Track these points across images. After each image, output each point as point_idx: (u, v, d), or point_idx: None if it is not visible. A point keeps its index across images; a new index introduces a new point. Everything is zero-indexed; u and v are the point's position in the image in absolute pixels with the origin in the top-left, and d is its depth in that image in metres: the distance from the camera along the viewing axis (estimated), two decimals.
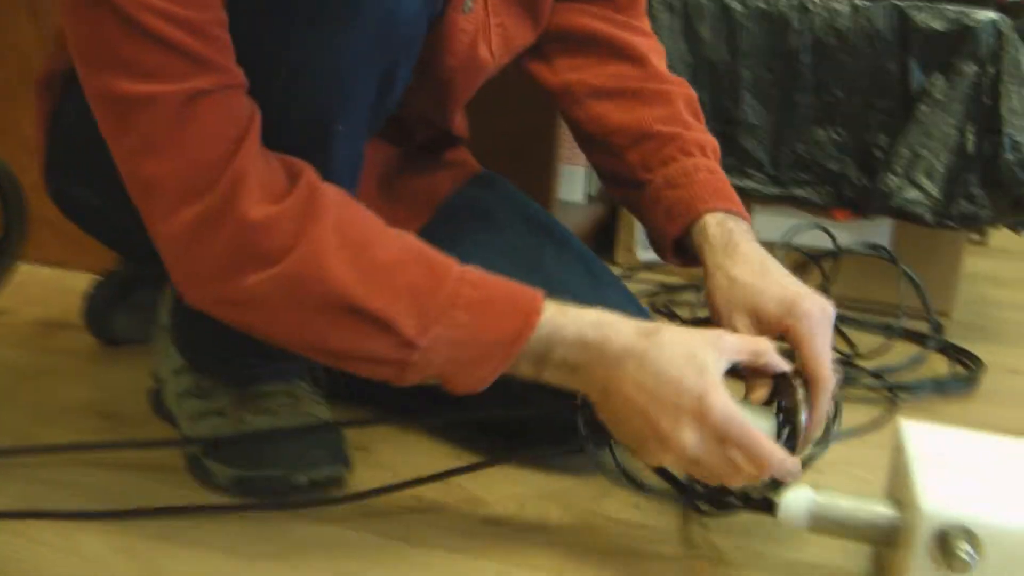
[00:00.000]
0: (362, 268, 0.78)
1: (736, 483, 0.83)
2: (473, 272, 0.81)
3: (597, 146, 1.10)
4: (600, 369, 0.81)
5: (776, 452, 0.81)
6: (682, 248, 1.04)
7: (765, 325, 0.92)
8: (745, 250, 0.97)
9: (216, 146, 0.75)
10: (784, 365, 0.87)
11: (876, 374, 1.39)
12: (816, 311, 0.90)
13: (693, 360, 0.80)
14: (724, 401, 0.80)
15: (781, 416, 0.87)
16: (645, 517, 1.00)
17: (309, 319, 0.79)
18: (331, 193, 0.79)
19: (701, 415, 0.79)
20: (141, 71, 0.73)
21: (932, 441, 0.91)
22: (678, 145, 1.04)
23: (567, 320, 0.81)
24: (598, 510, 1.01)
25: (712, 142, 1.06)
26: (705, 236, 0.99)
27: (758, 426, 0.82)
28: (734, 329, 0.92)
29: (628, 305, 1.09)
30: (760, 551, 0.96)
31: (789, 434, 0.86)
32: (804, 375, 0.88)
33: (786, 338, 0.91)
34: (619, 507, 1.02)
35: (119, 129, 0.76)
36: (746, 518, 1.00)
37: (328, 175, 0.81)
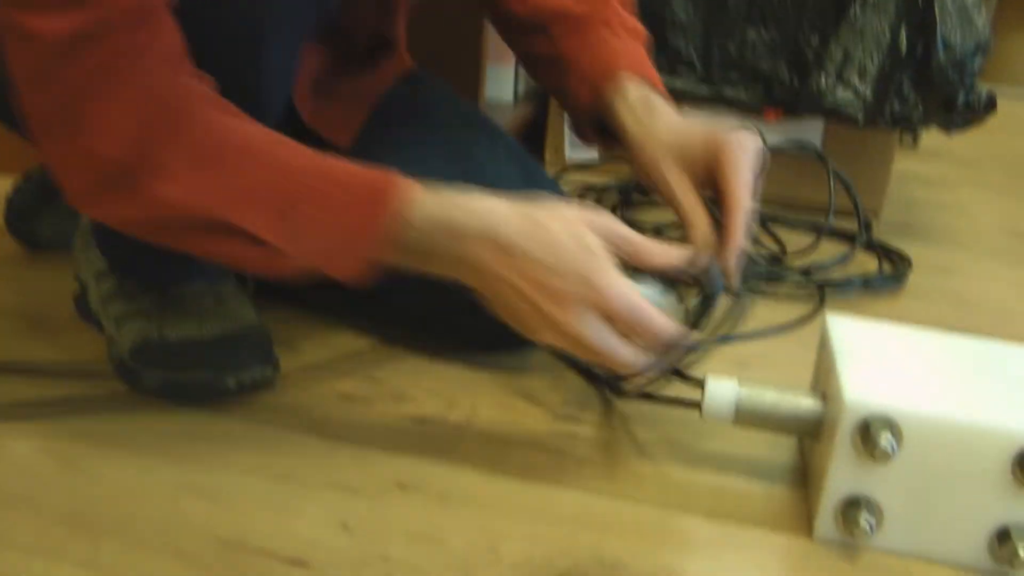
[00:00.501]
0: (211, 181, 0.76)
1: (626, 366, 0.82)
2: (326, 162, 0.79)
3: (523, 31, 1.09)
4: (473, 251, 0.79)
5: (666, 323, 0.80)
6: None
7: (692, 166, 0.92)
8: (665, 110, 0.97)
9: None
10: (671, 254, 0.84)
11: (804, 272, 1.39)
12: (741, 140, 0.90)
13: (571, 241, 0.78)
14: (613, 278, 0.78)
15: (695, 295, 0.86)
16: (571, 411, 1.00)
17: (172, 235, 0.79)
18: (197, 110, 0.77)
19: (590, 289, 0.77)
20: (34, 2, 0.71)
21: (856, 335, 0.91)
22: (604, 22, 1.03)
23: (432, 203, 0.78)
24: (526, 406, 1.01)
25: (641, 29, 1.05)
26: (624, 98, 0.98)
27: (655, 302, 0.81)
28: (664, 179, 0.91)
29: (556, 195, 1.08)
30: (683, 444, 0.96)
31: (702, 300, 0.85)
32: (721, 206, 0.89)
33: (714, 174, 0.90)
34: (548, 402, 1.02)
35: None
36: (670, 411, 1.00)
37: (260, 84, 0.80)
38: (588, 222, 0.80)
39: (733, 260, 0.89)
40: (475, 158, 1.10)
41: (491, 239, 0.78)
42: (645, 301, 0.79)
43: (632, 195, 1.64)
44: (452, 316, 1.08)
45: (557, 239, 0.77)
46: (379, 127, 1.11)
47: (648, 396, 0.94)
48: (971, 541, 0.81)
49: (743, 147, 0.90)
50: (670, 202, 0.94)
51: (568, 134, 1.85)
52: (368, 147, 1.07)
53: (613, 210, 1.60)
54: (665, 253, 0.82)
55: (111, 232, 0.99)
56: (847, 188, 1.51)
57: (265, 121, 0.81)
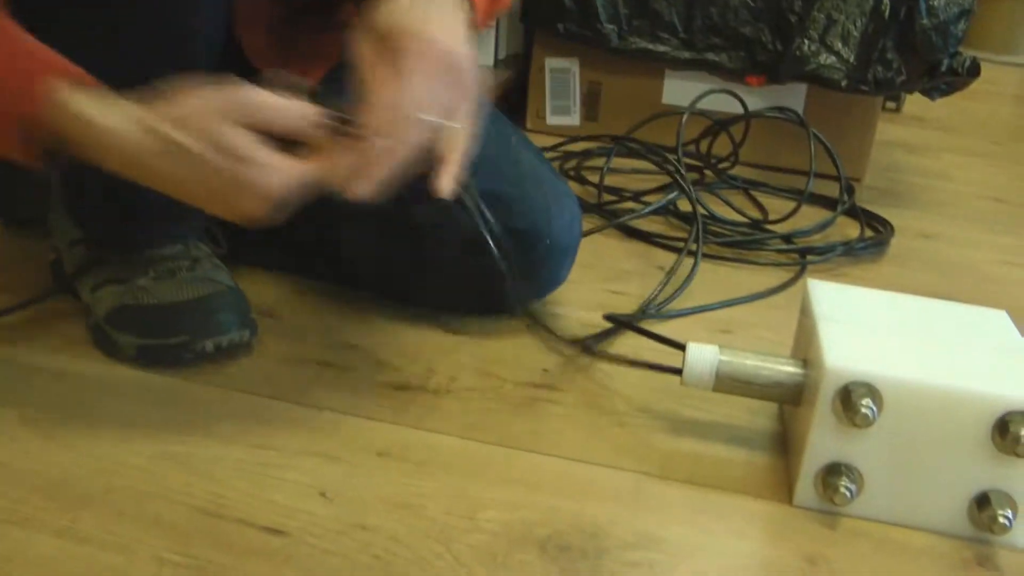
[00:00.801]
0: None
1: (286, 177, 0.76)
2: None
3: None
4: (119, 135, 0.75)
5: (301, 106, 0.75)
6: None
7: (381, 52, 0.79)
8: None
9: None
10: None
11: (786, 238, 1.39)
12: (431, 47, 0.78)
13: (211, 126, 0.74)
14: (251, 141, 0.74)
15: None
16: (551, 379, 1.00)
17: None
18: None
19: (220, 103, 0.74)
20: None
21: (837, 300, 0.91)
22: None
23: (79, 96, 0.74)
24: (505, 373, 1.01)
25: None
26: None
27: None
28: (357, 57, 0.80)
29: (538, 162, 1.07)
30: (664, 411, 0.96)
31: None
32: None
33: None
34: (527, 369, 1.01)
35: None
36: (650, 378, 1.00)
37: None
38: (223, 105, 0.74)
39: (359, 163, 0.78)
40: None
41: (136, 121, 0.74)
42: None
43: (613, 159, 1.63)
44: (429, 283, 1.08)
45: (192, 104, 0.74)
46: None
47: (629, 362, 0.94)
48: (951, 507, 0.81)
49: (424, 52, 0.78)
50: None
51: (550, 100, 1.84)
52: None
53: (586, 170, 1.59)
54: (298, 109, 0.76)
55: (83, 199, 0.99)
56: (829, 153, 1.51)
57: (199, 55, 0.79)
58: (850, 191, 1.54)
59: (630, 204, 1.49)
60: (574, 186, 1.55)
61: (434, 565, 0.73)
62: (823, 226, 1.43)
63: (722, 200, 1.52)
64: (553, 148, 1.73)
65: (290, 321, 1.07)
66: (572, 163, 1.66)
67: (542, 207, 1.03)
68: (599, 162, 1.64)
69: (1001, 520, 0.78)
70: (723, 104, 1.64)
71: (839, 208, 1.49)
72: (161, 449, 0.84)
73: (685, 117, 1.54)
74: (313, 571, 0.72)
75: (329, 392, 0.95)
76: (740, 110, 1.64)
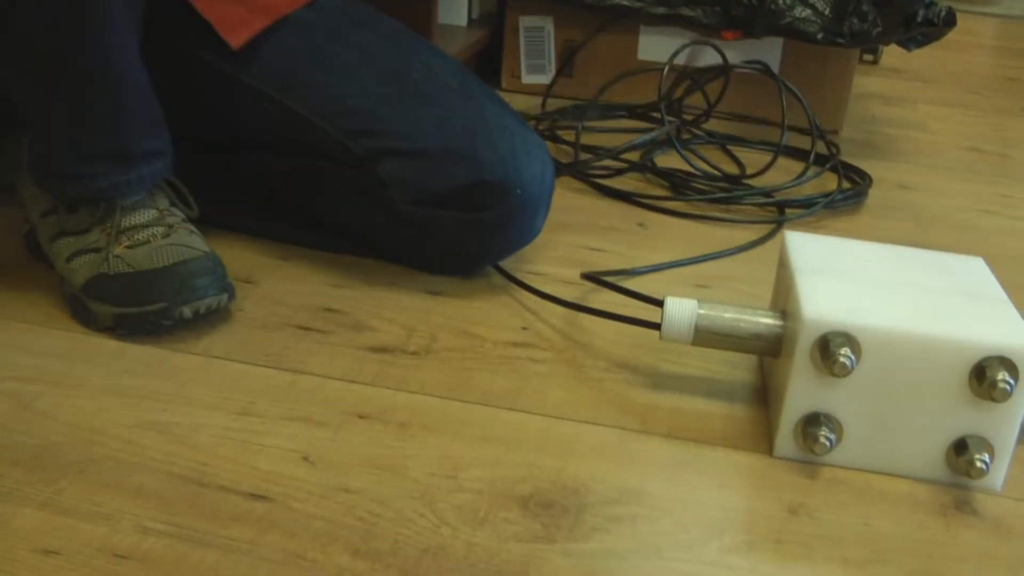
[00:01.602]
0: None
1: None
2: None
3: None
4: None
5: None
6: None
7: None
8: None
9: None
10: None
11: (764, 192, 1.39)
12: None
13: None
14: None
15: None
16: (531, 337, 1.00)
17: None
18: None
19: None
20: None
21: (815, 251, 0.91)
22: None
23: None
24: (484, 332, 1.01)
25: None
26: None
27: None
28: None
29: (504, 114, 1.07)
30: (643, 366, 0.96)
31: None
32: None
33: None
34: (507, 328, 1.02)
35: None
36: (629, 334, 1.00)
37: None
38: None
39: None
40: (409, 74, 1.08)
41: None
42: None
43: (587, 116, 1.63)
44: (405, 242, 1.08)
45: None
46: (289, 35, 1.09)
47: (608, 316, 0.94)
48: (929, 453, 0.82)
49: None
50: None
51: (525, 59, 1.84)
52: (260, 51, 1.07)
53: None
54: None
55: (44, 164, 0.98)
56: (801, 103, 1.51)
57: None
58: (832, 144, 1.54)
59: (609, 163, 1.49)
60: (552, 148, 1.54)
61: (418, 525, 0.74)
62: (801, 179, 1.43)
63: (699, 156, 1.52)
64: (537, 118, 1.72)
65: (268, 286, 1.07)
66: (546, 122, 1.66)
67: (510, 157, 1.03)
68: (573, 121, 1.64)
69: (979, 464, 0.79)
70: (697, 60, 1.64)
71: (816, 161, 1.48)
72: (142, 418, 0.84)
73: (666, 70, 1.54)
74: (297, 535, 0.72)
75: (309, 356, 0.95)
76: (713, 60, 1.63)
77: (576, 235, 1.25)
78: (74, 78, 0.91)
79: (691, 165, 1.44)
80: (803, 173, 1.44)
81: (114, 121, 0.94)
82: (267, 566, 0.69)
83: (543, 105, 1.76)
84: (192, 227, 0.99)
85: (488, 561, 0.71)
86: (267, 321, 1.00)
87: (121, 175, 0.96)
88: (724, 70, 1.61)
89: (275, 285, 1.07)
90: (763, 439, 0.87)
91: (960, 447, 0.80)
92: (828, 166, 1.49)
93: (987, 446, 0.80)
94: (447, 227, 1.05)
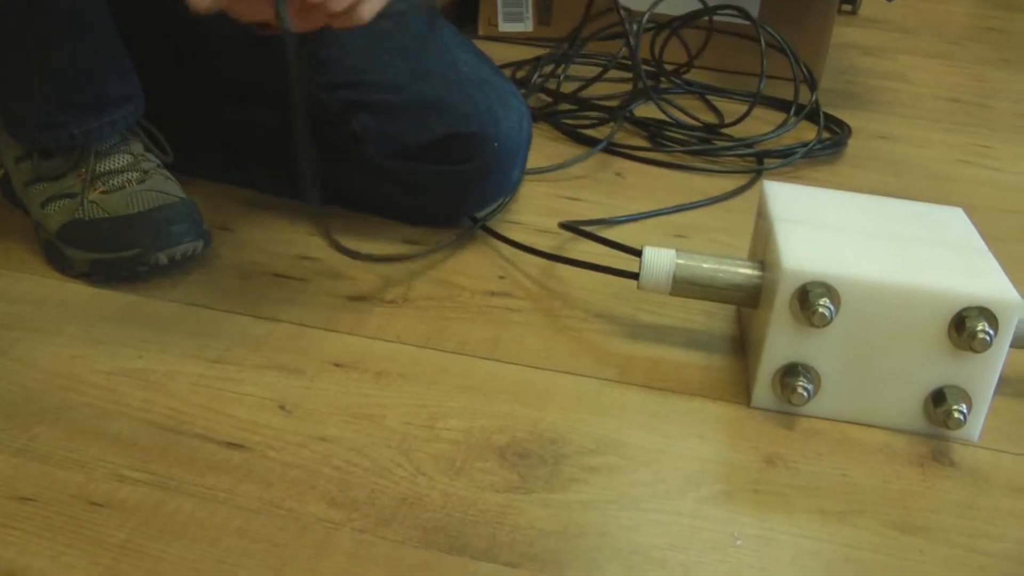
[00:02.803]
0: None
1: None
2: None
3: None
4: None
5: None
6: None
7: None
8: None
9: None
10: None
11: (743, 142, 1.38)
12: None
13: None
14: None
15: None
16: (508, 287, 1.00)
17: None
18: None
19: None
20: None
21: (794, 201, 0.91)
22: None
23: None
24: (464, 282, 1.00)
25: None
26: None
27: None
28: None
29: (481, 65, 1.07)
30: (621, 317, 0.96)
31: None
32: None
33: None
34: (485, 278, 1.01)
35: None
36: (606, 284, 1.00)
37: None
38: None
39: None
40: (382, 27, 1.07)
41: None
42: None
43: (565, 65, 1.62)
44: (382, 195, 1.07)
45: None
46: None
47: (586, 266, 0.93)
48: (907, 404, 0.82)
49: None
50: None
51: (502, 7, 1.82)
52: None
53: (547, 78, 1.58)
54: None
55: (14, 113, 0.97)
56: (785, 48, 1.50)
57: None
58: (813, 85, 1.53)
59: (587, 114, 1.47)
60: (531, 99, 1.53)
61: (394, 474, 0.73)
62: (781, 129, 1.43)
63: (676, 107, 1.51)
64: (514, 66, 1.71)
65: (244, 234, 1.06)
66: (524, 70, 1.65)
67: (486, 109, 1.02)
68: (548, 67, 1.63)
69: (956, 415, 0.79)
70: (676, 8, 1.62)
71: (796, 111, 1.48)
72: (118, 365, 0.83)
73: (645, 18, 1.52)
74: (273, 484, 0.72)
75: (286, 305, 0.94)
76: (691, 5, 1.62)
77: (554, 185, 1.24)
78: (39, 26, 0.89)
79: (668, 116, 1.43)
80: (784, 123, 1.43)
81: (83, 67, 0.93)
82: (243, 515, 0.69)
83: (520, 55, 1.74)
84: (167, 173, 0.98)
85: (465, 511, 0.71)
86: (243, 268, 0.99)
87: (92, 121, 0.95)
88: (703, 14, 1.60)
89: (252, 233, 1.06)
90: (741, 389, 0.87)
91: (938, 398, 0.80)
92: (805, 112, 1.48)
93: (965, 397, 0.80)
94: (424, 180, 1.04)
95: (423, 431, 0.78)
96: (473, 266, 1.03)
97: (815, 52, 1.72)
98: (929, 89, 1.80)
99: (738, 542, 0.71)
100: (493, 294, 0.98)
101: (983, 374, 0.80)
